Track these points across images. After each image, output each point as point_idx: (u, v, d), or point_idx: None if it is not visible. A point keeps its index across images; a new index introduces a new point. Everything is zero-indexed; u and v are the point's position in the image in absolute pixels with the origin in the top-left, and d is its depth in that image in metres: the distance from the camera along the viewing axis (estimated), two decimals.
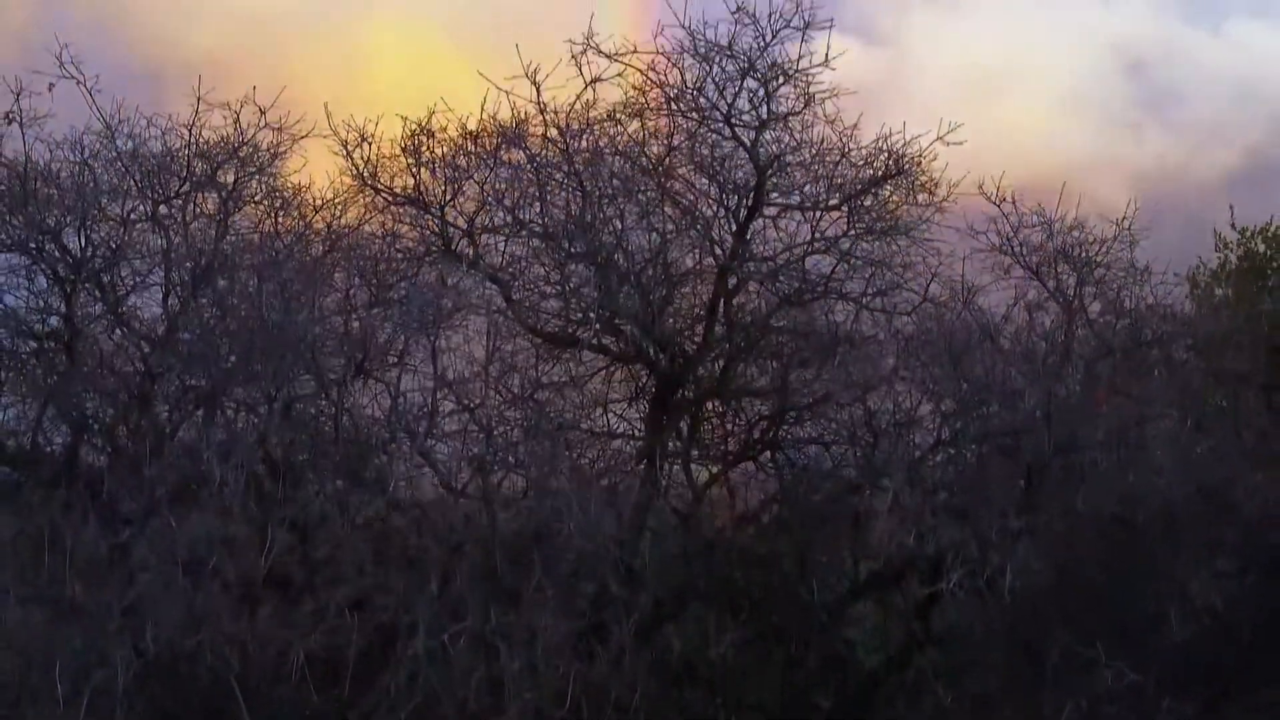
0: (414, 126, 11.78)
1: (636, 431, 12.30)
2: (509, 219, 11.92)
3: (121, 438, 9.25)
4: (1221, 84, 37.09)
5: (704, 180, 12.09)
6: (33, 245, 10.74)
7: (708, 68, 11.24)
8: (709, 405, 12.50)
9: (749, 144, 11.43)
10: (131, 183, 11.12)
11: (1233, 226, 16.31)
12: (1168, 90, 38.70)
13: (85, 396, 10.39)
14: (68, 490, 9.42)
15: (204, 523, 7.70)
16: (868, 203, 11.71)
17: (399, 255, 11.86)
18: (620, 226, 11.92)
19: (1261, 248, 16.29)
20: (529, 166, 11.77)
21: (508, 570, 8.10)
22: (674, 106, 11.56)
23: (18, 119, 10.55)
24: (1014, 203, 11.54)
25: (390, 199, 11.75)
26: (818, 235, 11.97)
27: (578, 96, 11.56)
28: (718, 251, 11.93)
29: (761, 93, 11.34)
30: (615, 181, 11.94)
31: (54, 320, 11.16)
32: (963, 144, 11.03)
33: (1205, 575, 11.14)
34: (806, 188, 11.84)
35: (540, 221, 11.81)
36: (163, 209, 11.16)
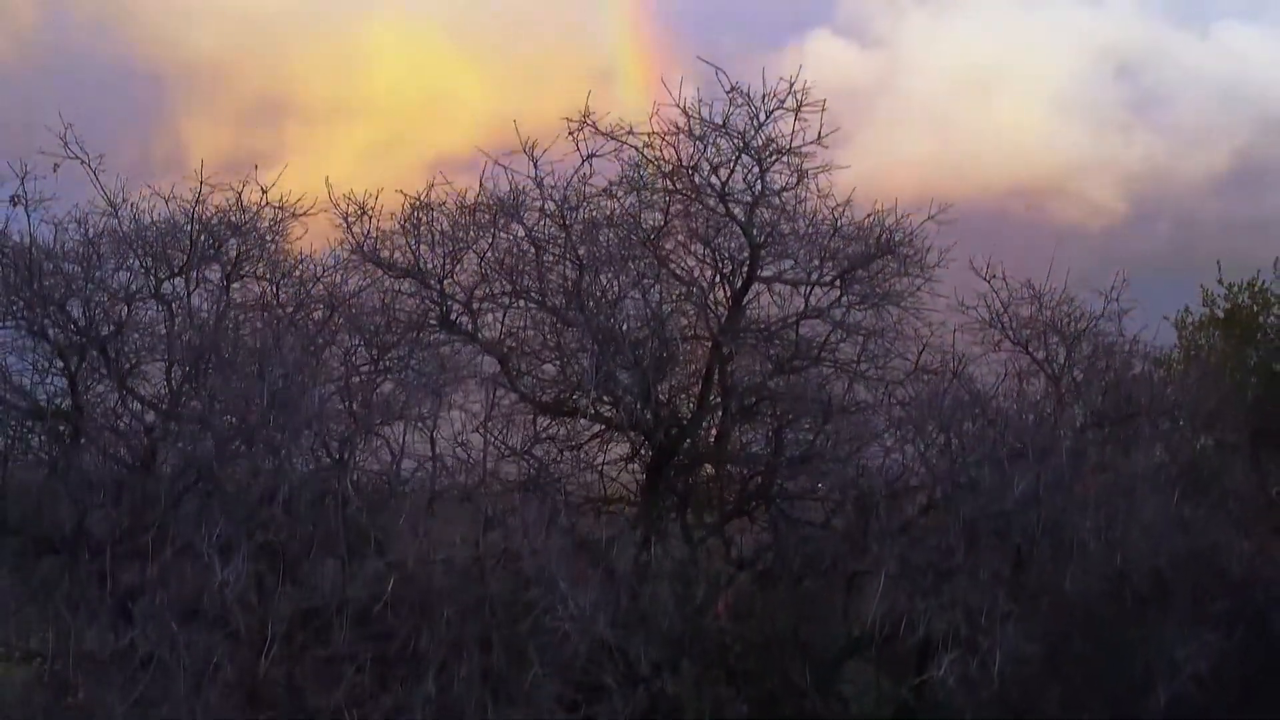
0: (413, 201, 11.88)
1: (632, 495, 12.38)
2: (507, 287, 11.99)
3: (123, 516, 9.22)
4: (1209, 86, 37.19)
5: (700, 247, 12.15)
6: (38, 317, 10.77)
7: (702, 147, 11.25)
8: (705, 468, 12.55)
9: (743, 220, 11.46)
10: (135, 259, 11.16)
11: (1220, 282, 16.40)
12: (1157, 92, 38.82)
13: (90, 468, 10.41)
14: (73, 560, 9.51)
15: (205, 621, 7.71)
16: (859, 274, 11.73)
17: (400, 322, 11.95)
18: (616, 294, 11.99)
19: (1247, 301, 16.39)
20: (526, 239, 11.83)
21: (504, 663, 8.10)
22: (670, 184, 11.58)
23: (22, 201, 10.55)
24: (1004, 278, 11.57)
25: (390, 272, 11.79)
26: (811, 304, 12.04)
27: (575, 172, 11.64)
28: (712, 320, 12.02)
29: (756, 169, 11.38)
30: (611, 250, 12.01)
31: (58, 386, 11.22)
32: (954, 222, 11.00)
33: (1194, 642, 11.20)
34: (800, 259, 11.90)
35: (538, 291, 11.88)
36: (166, 286, 11.19)
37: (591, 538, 9.89)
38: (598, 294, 11.91)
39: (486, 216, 11.83)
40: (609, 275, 12.00)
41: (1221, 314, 16.32)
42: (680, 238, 12.28)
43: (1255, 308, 16.38)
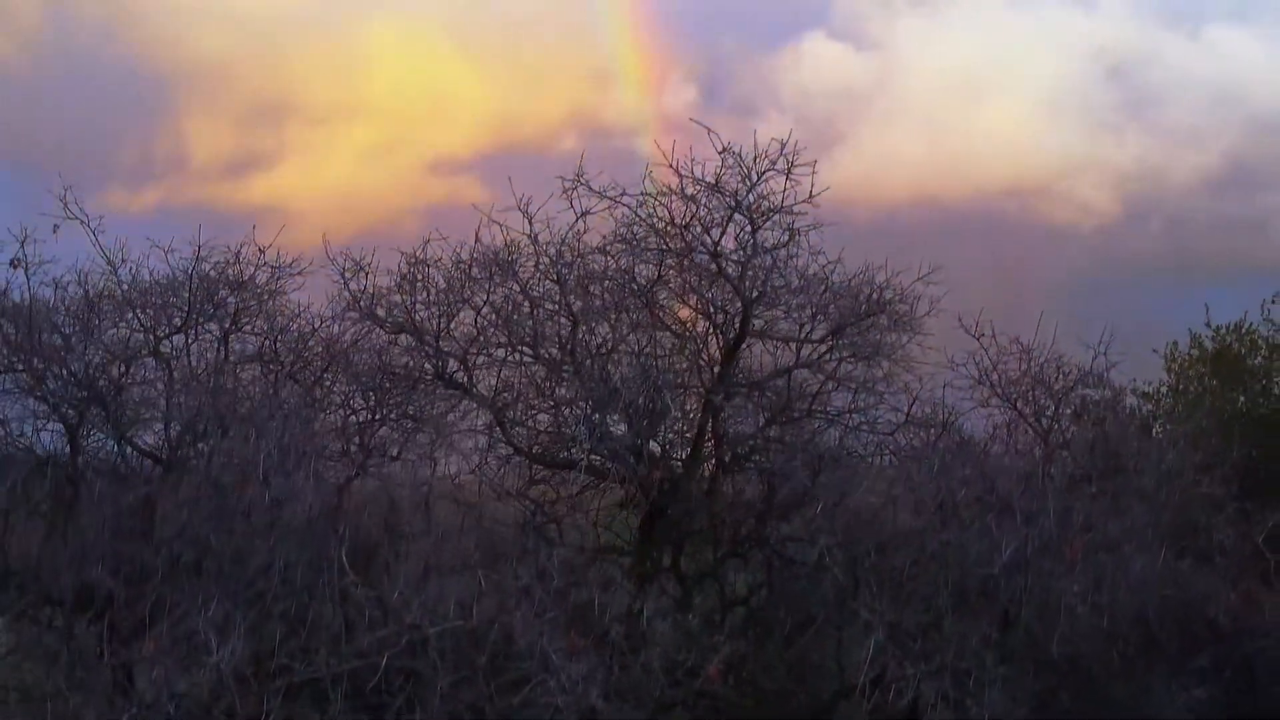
0: (410, 257, 11.92)
1: (626, 545, 12.41)
2: (502, 340, 12.03)
3: (120, 586, 9.22)
4: (1200, 88, 37.38)
5: (693, 298, 12.19)
6: (38, 372, 10.81)
7: (694, 208, 11.28)
8: (698, 517, 12.57)
9: (735, 277, 11.48)
10: (134, 317, 11.20)
11: (1208, 324, 16.46)
12: (1148, 93, 39.00)
13: (89, 527, 10.43)
14: (69, 629, 9.53)
15: (200, 698, 7.73)
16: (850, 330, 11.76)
17: (396, 375, 12.00)
18: (610, 347, 12.03)
19: (1234, 344, 16.45)
20: (520, 293, 11.86)
21: None
22: (663, 244, 11.60)
23: (22, 264, 10.59)
24: (993, 336, 11.61)
25: (386, 328, 11.83)
26: (804, 355, 12.07)
27: (570, 228, 11.68)
28: (705, 371, 12.07)
29: (748, 227, 11.41)
30: (605, 302, 12.05)
31: (59, 441, 11.26)
32: (945, 291, 11.07)
33: (1181, 694, 11.25)
34: (792, 314, 11.93)
35: (532, 344, 11.90)
36: (165, 344, 11.24)
37: (582, 600, 9.87)
38: (592, 348, 11.96)
39: (482, 272, 11.86)
40: (602, 328, 12.05)
41: (1209, 353, 16.39)
42: (673, 288, 12.32)
43: (1242, 349, 16.46)
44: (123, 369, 11.02)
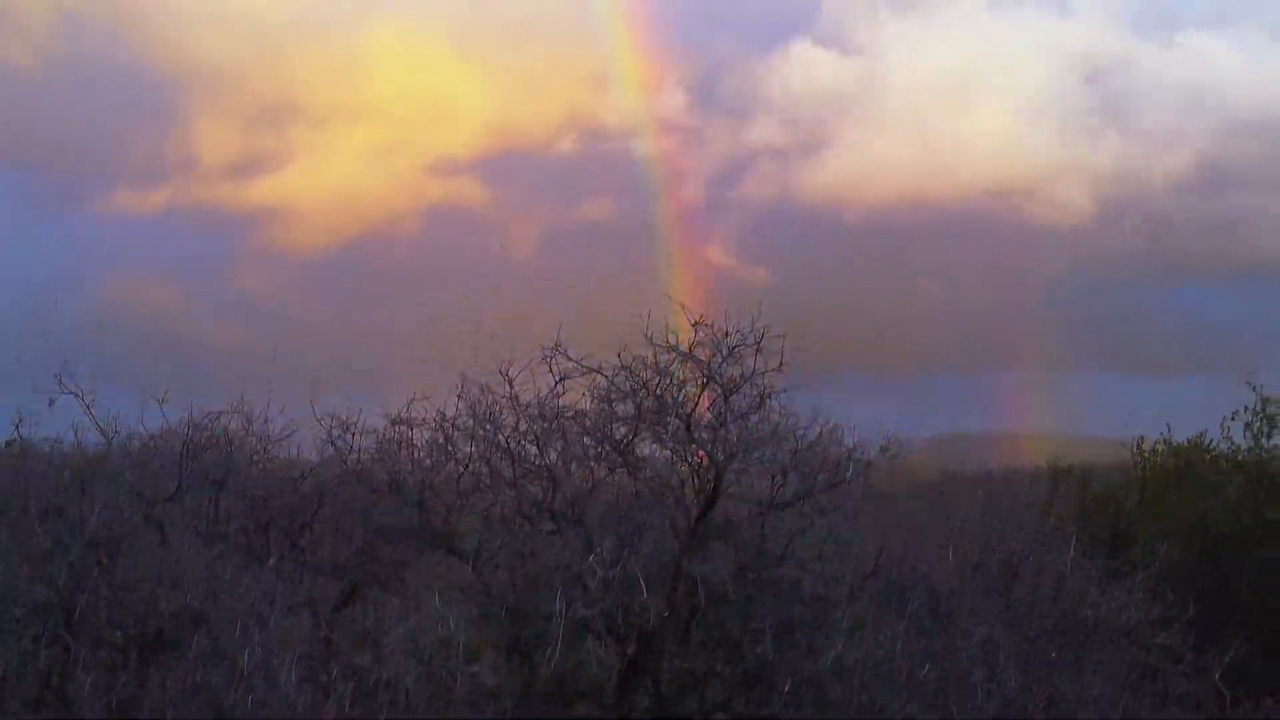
0: (395, 418, 12.05)
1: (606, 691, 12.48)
2: (485, 494, 12.14)
3: None
4: (1174, 92, 37.90)
5: (668, 454, 12.29)
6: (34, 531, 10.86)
7: (666, 380, 11.39)
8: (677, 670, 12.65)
9: (708, 444, 11.59)
10: (126, 484, 11.27)
11: (1168, 442, 16.62)
12: (1124, 98, 39.52)
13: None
14: None
15: None
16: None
17: (380, 529, 12.10)
18: (586, 495, 12.14)
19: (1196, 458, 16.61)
20: (502, 451, 11.97)
21: None
22: (640, 406, 11.72)
23: (18, 444, 10.68)
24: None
25: (372, 488, 11.93)
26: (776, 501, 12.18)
27: (550, 391, 11.81)
28: (680, 527, 12.16)
29: (720, 395, 11.53)
30: (584, 452, 12.17)
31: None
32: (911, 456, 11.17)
33: None
34: (765, 469, 12.03)
35: (513, 499, 12.01)
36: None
37: None
38: (569, 499, 12.05)
39: (463, 432, 11.98)
40: (580, 480, 12.16)
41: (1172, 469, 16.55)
42: (648, 441, 12.42)
43: (1206, 460, 16.61)
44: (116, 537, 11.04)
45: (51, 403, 10.90)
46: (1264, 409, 16.27)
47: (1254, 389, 16.19)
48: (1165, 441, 17.09)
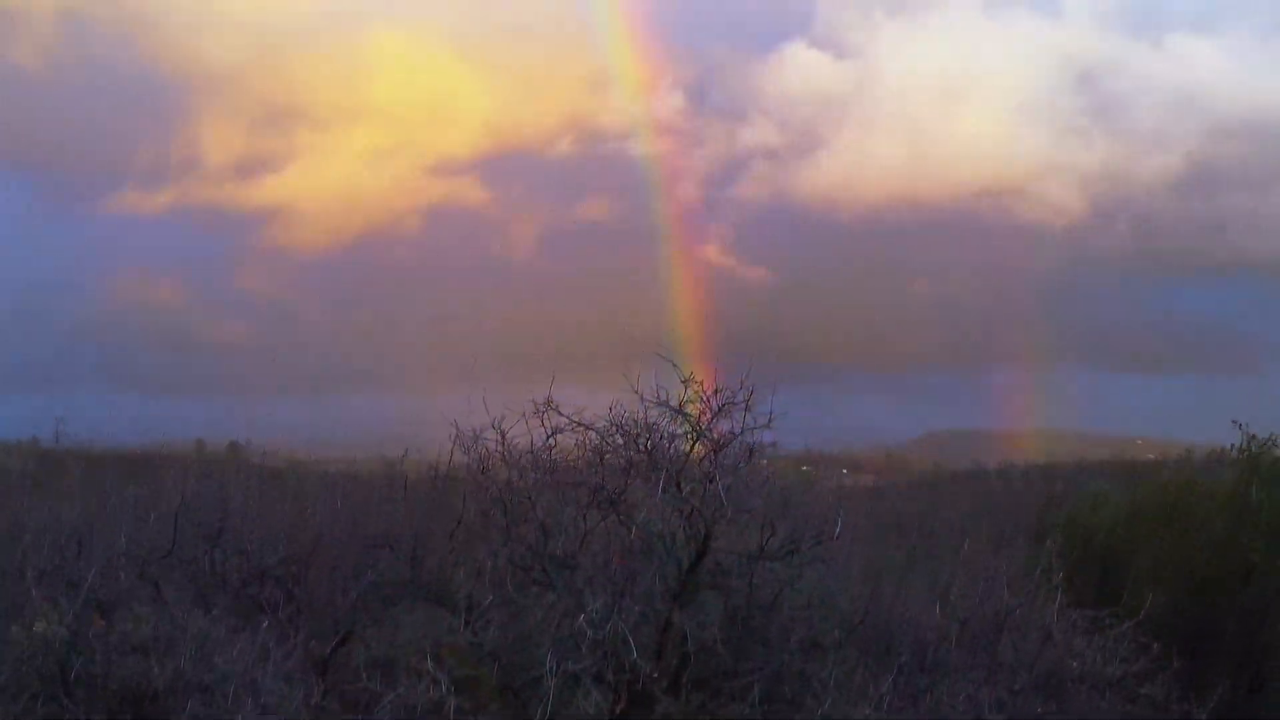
0: (389, 465, 12.09)
1: None
2: (477, 547, 12.19)
3: None
4: (1163, 94, 38.28)
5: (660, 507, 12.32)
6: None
7: (657, 437, 11.44)
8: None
9: (697, 500, 11.63)
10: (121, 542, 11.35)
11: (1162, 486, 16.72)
12: (1114, 99, 39.87)
13: None
14: None
15: None
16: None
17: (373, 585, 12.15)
18: (577, 548, 12.18)
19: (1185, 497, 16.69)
20: (494, 505, 12.02)
21: None
22: (630, 460, 11.77)
23: None
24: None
25: (366, 542, 11.99)
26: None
27: (544, 443, 11.86)
28: (670, 580, 12.20)
29: (711, 453, 11.57)
30: (576, 503, 12.22)
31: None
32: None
33: None
34: (753, 521, 12.07)
35: (506, 553, 12.05)
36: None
37: None
38: (561, 551, 12.09)
39: (455, 485, 12.04)
40: (573, 530, 12.21)
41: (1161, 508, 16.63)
42: (640, 491, 12.46)
43: (1192, 499, 16.68)
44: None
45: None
46: (1249, 446, 16.36)
47: (1240, 428, 16.26)
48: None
